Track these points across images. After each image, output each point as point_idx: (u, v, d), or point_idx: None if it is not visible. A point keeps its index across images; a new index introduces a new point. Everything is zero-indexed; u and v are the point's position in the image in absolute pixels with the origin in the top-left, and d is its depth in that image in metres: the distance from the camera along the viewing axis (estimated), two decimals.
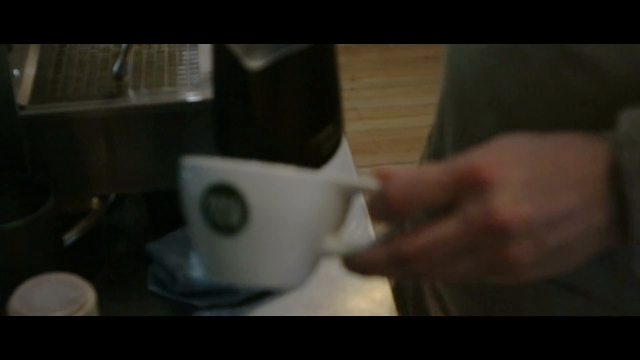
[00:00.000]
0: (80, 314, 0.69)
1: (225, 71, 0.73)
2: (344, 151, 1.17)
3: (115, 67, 0.86)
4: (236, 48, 0.70)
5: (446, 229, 0.52)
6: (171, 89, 0.88)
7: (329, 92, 0.77)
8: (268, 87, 0.71)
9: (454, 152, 0.77)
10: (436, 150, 0.83)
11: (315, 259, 0.56)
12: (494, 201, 0.51)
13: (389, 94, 3.16)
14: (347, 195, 0.55)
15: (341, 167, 1.12)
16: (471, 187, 0.51)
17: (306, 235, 0.55)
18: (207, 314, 0.87)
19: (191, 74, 0.90)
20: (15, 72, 0.84)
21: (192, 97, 0.87)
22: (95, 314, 0.71)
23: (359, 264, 0.55)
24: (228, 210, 0.53)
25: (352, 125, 2.89)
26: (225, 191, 0.53)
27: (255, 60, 0.69)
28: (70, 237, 0.91)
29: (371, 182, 0.54)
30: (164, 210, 0.98)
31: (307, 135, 0.74)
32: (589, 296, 0.68)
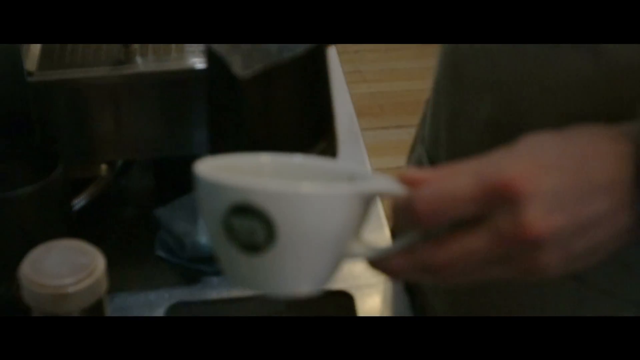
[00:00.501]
0: (89, 280, 0.69)
1: (219, 82, 0.73)
2: (349, 115, 1.18)
3: None
4: (229, 56, 0.69)
5: (477, 240, 0.52)
6: (178, 56, 0.88)
7: (322, 107, 0.76)
8: (260, 98, 0.71)
9: (448, 133, 0.77)
10: (431, 132, 0.82)
11: (340, 262, 0.56)
12: (526, 215, 0.51)
13: (393, 57, 3.15)
14: (370, 200, 0.55)
15: (347, 133, 1.12)
16: (502, 200, 0.51)
17: (333, 244, 0.54)
18: (215, 279, 0.88)
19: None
20: None
21: (199, 64, 0.87)
22: (104, 280, 0.71)
23: (387, 268, 0.55)
24: (253, 229, 0.52)
25: (356, 88, 2.89)
26: (248, 211, 0.52)
27: (246, 69, 0.68)
28: (78, 203, 0.91)
29: (396, 187, 0.54)
30: (172, 176, 0.99)
31: (299, 151, 0.74)
32: (582, 280, 0.69)
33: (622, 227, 0.54)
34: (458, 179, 0.52)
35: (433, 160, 0.81)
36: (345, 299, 0.87)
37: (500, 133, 0.59)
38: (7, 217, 0.78)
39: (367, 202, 0.55)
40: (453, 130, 0.75)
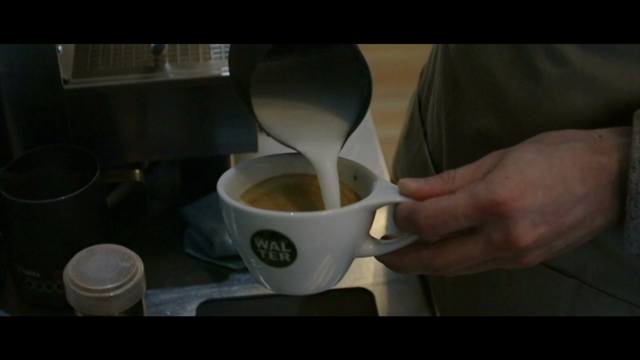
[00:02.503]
0: (130, 285, 0.74)
1: None
2: None
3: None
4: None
5: (471, 248, 0.60)
6: (206, 63, 0.91)
7: None
8: None
9: (448, 139, 0.81)
10: (432, 133, 0.86)
11: (352, 261, 0.64)
12: (514, 229, 0.58)
13: None
14: (376, 208, 0.63)
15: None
16: (494, 216, 0.59)
17: (346, 251, 0.62)
18: (242, 276, 0.92)
19: (225, 47, 0.93)
20: (59, 47, 0.87)
21: (226, 71, 0.90)
22: (143, 283, 0.75)
23: (394, 264, 0.63)
24: (276, 250, 0.60)
25: None
26: (271, 235, 0.60)
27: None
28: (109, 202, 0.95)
29: (399, 199, 0.61)
30: (198, 175, 1.03)
31: None
32: (579, 279, 0.75)
33: (597, 227, 0.62)
34: (456, 198, 0.59)
35: (434, 158, 0.86)
36: (365, 295, 0.91)
37: (497, 144, 0.65)
38: (51, 221, 0.81)
39: (373, 211, 0.63)
40: (453, 138, 0.80)
